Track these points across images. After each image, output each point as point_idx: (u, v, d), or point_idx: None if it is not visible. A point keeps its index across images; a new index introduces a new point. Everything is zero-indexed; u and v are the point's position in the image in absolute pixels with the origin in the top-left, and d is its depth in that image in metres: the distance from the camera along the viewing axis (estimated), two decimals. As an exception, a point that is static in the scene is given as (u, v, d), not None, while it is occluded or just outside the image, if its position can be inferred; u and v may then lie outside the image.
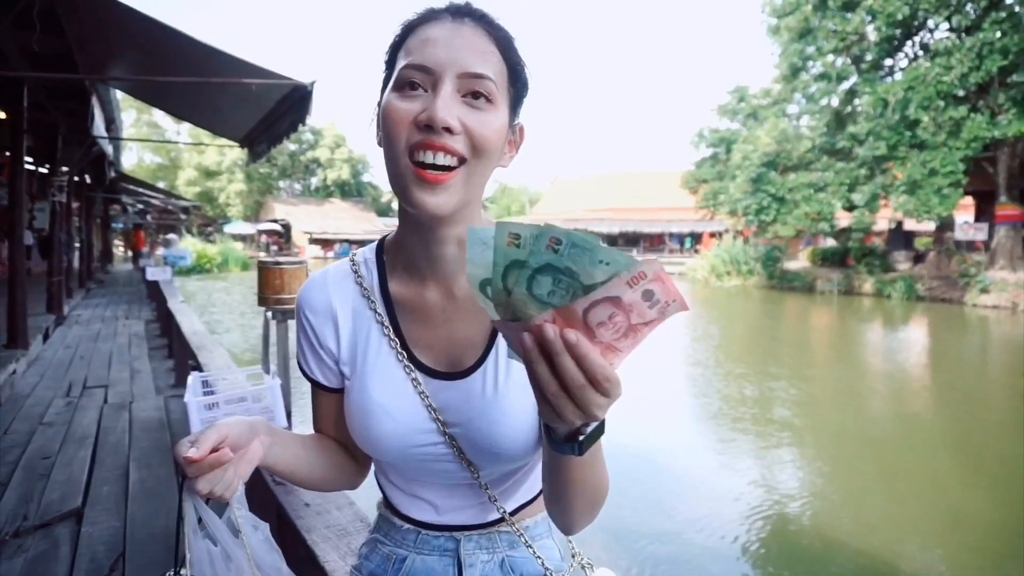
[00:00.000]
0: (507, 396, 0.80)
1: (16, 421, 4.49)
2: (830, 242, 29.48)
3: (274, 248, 50.25)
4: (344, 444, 0.93)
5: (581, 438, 0.60)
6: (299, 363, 0.92)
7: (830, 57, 24.21)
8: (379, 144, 0.79)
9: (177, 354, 5.78)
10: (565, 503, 0.74)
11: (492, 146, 0.75)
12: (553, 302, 0.52)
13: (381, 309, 0.85)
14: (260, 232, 50.13)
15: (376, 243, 0.91)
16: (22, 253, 6.70)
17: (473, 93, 0.73)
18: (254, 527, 0.79)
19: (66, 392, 5.35)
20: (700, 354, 12.33)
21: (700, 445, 7.01)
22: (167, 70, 5.46)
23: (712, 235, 39.16)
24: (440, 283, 0.83)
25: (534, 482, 0.91)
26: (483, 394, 0.80)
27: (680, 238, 48.03)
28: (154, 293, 10.54)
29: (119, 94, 9.74)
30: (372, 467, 0.96)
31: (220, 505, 0.74)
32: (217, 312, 15.67)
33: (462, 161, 0.73)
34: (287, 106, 5.09)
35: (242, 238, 47.00)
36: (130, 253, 27.93)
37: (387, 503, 0.93)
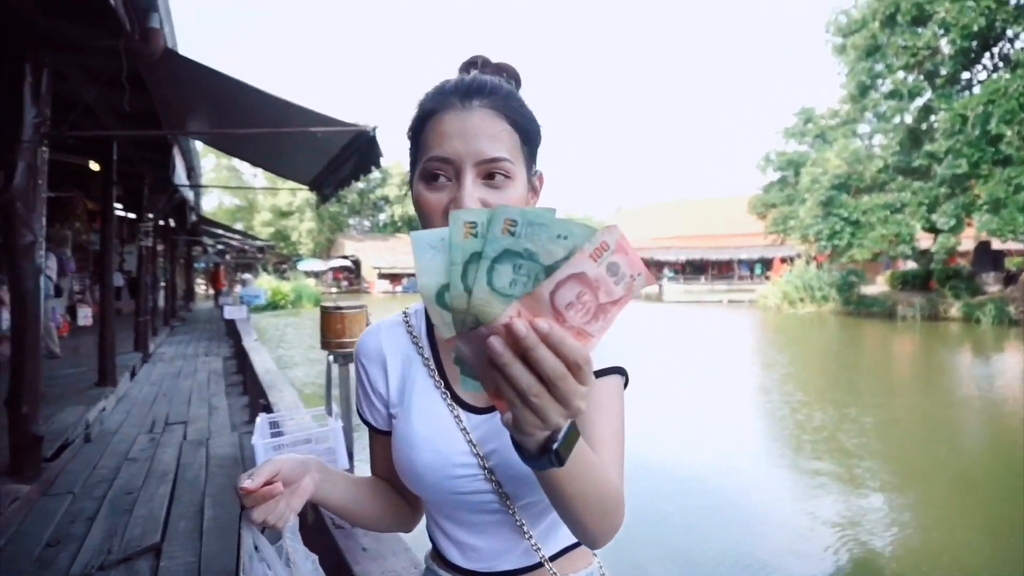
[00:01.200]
0: None
1: (104, 457, 4.73)
2: (910, 264, 28.16)
3: (344, 284, 51.84)
4: (397, 486, 0.99)
5: (555, 445, 0.57)
6: (357, 407, 1.02)
7: (901, 74, 23.46)
8: (416, 211, 0.87)
9: (251, 391, 6.01)
10: (574, 519, 0.72)
11: None
12: (515, 292, 0.48)
13: (428, 352, 0.93)
14: (331, 269, 51.78)
15: None
16: (111, 295, 7.15)
17: (492, 175, 0.79)
18: (304, 557, 0.87)
19: (149, 428, 5.62)
20: (776, 384, 11.90)
21: (775, 477, 6.74)
22: (239, 121, 5.79)
23: (783, 260, 38.04)
24: None
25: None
26: None
27: (749, 264, 46.85)
28: (231, 331, 11.01)
29: (199, 143, 10.36)
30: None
31: (274, 534, 0.83)
32: (286, 347, 16.19)
33: None
34: (352, 151, 5.29)
35: (314, 274, 48.60)
36: (211, 291, 29.30)
37: (435, 552, 0.97)
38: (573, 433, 0.59)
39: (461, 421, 0.87)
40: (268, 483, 0.80)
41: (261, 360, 5.86)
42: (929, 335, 19.47)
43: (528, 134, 0.84)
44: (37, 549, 3.12)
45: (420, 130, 0.84)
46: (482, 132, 0.79)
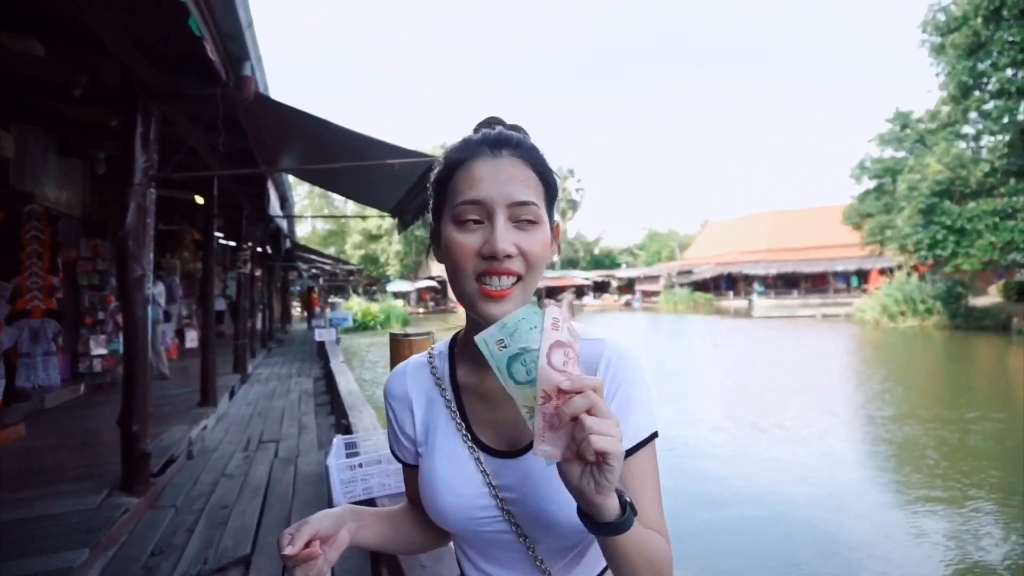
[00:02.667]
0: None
1: (204, 472, 5.09)
2: (1026, 274, 26.09)
3: (431, 304, 53.02)
4: None
5: (626, 509, 0.73)
6: (389, 443, 1.08)
7: (1008, 71, 21.90)
8: (438, 260, 0.94)
9: (337, 411, 6.30)
10: None
11: (542, 259, 0.88)
12: (532, 377, 0.68)
13: (450, 395, 0.98)
14: (418, 289, 53.09)
15: (450, 339, 1.05)
16: (212, 320, 7.68)
17: (523, 219, 0.85)
18: None
19: (245, 446, 5.98)
20: (886, 407, 11.28)
21: (883, 503, 6.39)
22: (325, 156, 6.15)
23: (881, 272, 36.04)
24: None
25: (593, 560, 0.95)
26: (537, 473, 0.89)
27: (845, 277, 44.61)
28: (321, 352, 11.53)
29: (291, 176, 11.00)
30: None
31: None
32: (369, 368, 16.72)
33: (519, 277, 0.85)
34: (427, 179, 5.52)
35: (403, 295, 49.97)
36: (305, 314, 30.67)
37: None
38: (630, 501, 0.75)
39: (481, 463, 0.92)
40: (307, 544, 0.86)
41: (345, 382, 6.14)
42: (1050, 351, 17.90)
43: (550, 185, 0.91)
44: (143, 557, 3.41)
45: (447, 180, 0.89)
46: (512, 177, 0.85)
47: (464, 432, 0.95)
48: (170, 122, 5.09)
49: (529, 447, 0.90)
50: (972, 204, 22.43)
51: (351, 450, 2.91)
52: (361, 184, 7.23)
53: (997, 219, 21.53)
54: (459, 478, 0.92)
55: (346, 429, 3.87)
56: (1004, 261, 22.68)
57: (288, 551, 0.84)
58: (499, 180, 0.85)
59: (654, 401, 0.92)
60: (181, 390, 7.80)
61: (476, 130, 0.95)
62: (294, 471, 5.04)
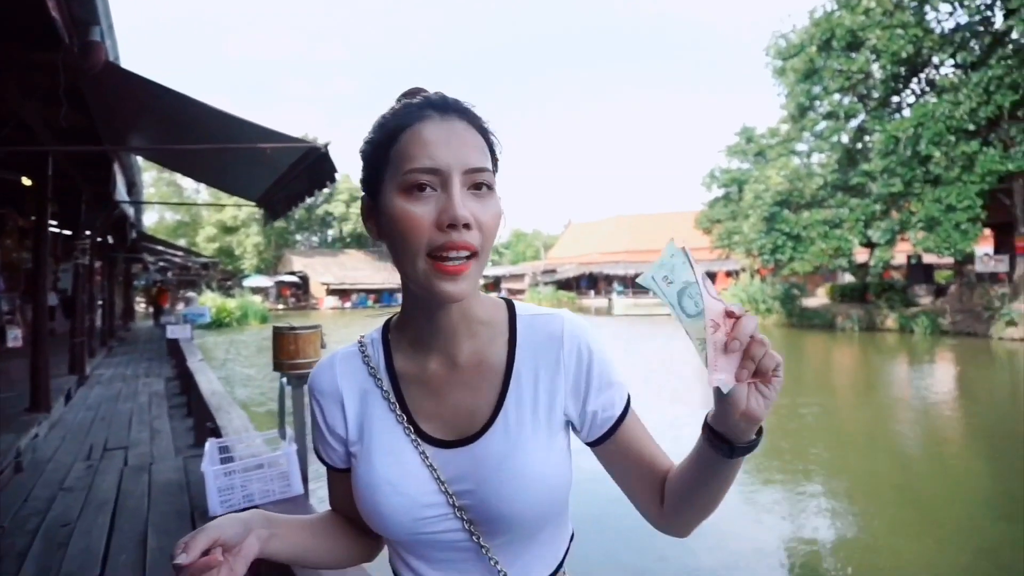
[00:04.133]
0: (518, 457, 0.81)
1: (37, 487, 4.50)
2: (848, 278, 29.25)
3: (292, 300, 50.83)
4: (358, 520, 0.93)
5: (759, 432, 0.75)
6: (314, 444, 0.96)
7: (837, 96, 24.49)
8: (374, 237, 0.83)
9: (196, 414, 5.81)
10: (712, 508, 0.83)
11: (495, 232, 0.80)
12: (700, 309, 0.68)
13: (387, 385, 0.88)
14: (278, 284, 50.71)
15: (383, 324, 0.94)
16: (45, 316, 6.83)
17: (476, 185, 0.77)
18: None
19: (87, 455, 5.37)
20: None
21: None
22: (185, 136, 5.64)
23: (728, 274, 39.05)
24: (443, 353, 0.86)
25: (549, 557, 0.89)
26: (493, 457, 0.82)
27: (697, 278, 47.86)
28: (174, 351, 10.65)
29: (139, 157, 10.04)
30: (386, 548, 0.96)
31: None
32: (231, 367, 15.75)
33: (474, 253, 0.77)
34: (302, 168, 5.21)
35: (261, 291, 47.49)
36: (151, 310, 28.33)
37: None
38: None
39: (428, 458, 0.83)
40: (206, 553, 0.74)
41: (207, 381, 5.67)
42: (867, 345, 20.20)
43: (495, 153, 0.84)
44: (-36, 589, 2.94)
45: (387, 146, 0.79)
46: (466, 142, 0.78)
47: (405, 425, 0.85)
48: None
49: (481, 433, 0.83)
50: (806, 214, 24.80)
51: (225, 455, 2.65)
52: (224, 170, 6.73)
53: (827, 228, 23.95)
54: (402, 475, 0.82)
55: (212, 432, 3.54)
56: (832, 266, 25.30)
57: (181, 560, 0.71)
58: (452, 144, 0.76)
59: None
60: (4, 394, 6.87)
61: (399, 101, 0.85)
62: (148, 480, 4.57)
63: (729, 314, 0.69)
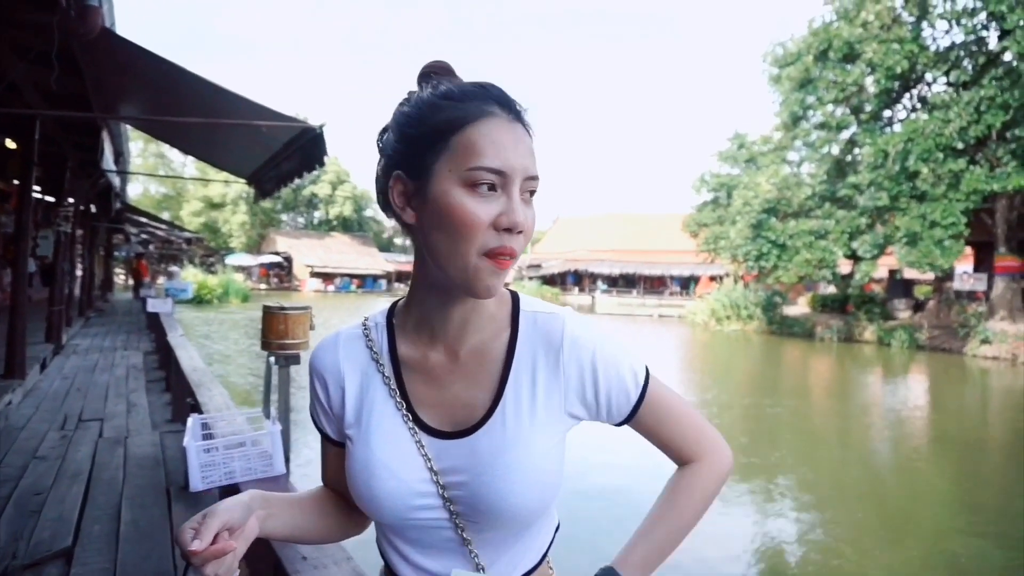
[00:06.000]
0: (512, 452, 0.81)
1: (9, 454, 4.44)
2: (830, 288, 29.54)
3: (274, 280, 50.45)
4: (348, 496, 0.94)
5: None
6: (311, 414, 0.96)
7: (830, 107, 24.61)
8: (409, 220, 0.81)
9: (175, 389, 5.76)
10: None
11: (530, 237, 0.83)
12: None
13: (389, 371, 0.88)
14: (261, 264, 50.29)
15: (388, 308, 0.94)
16: (25, 282, 6.72)
17: (529, 192, 0.79)
18: None
19: (61, 425, 5.30)
20: (704, 395, 12.26)
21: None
22: (178, 109, 5.56)
23: (712, 279, 39.28)
24: (447, 343, 0.86)
25: (530, 554, 0.90)
26: (487, 451, 0.82)
27: (681, 281, 48.14)
28: (154, 324, 10.53)
29: (128, 126, 9.89)
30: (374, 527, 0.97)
31: None
32: (208, 346, 15.61)
33: (515, 255, 0.79)
34: (295, 148, 5.16)
35: (244, 269, 47.03)
36: (131, 282, 27.96)
37: (387, 571, 0.93)
38: None
39: (423, 447, 0.84)
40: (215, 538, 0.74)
41: (188, 356, 5.61)
42: (844, 356, 20.44)
43: None
44: (-67, 553, 2.90)
45: (451, 132, 0.76)
46: (529, 150, 0.79)
47: (404, 412, 0.85)
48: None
49: (478, 426, 0.83)
50: (793, 223, 24.98)
51: (206, 431, 2.63)
52: (216, 145, 6.66)
53: (813, 238, 24.14)
54: (398, 460, 0.83)
55: (193, 408, 3.51)
56: (815, 276, 25.53)
57: (195, 546, 0.71)
58: (519, 150, 0.77)
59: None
60: (-21, 360, 6.76)
61: (424, 74, 0.84)
62: (123, 453, 4.52)
63: None
